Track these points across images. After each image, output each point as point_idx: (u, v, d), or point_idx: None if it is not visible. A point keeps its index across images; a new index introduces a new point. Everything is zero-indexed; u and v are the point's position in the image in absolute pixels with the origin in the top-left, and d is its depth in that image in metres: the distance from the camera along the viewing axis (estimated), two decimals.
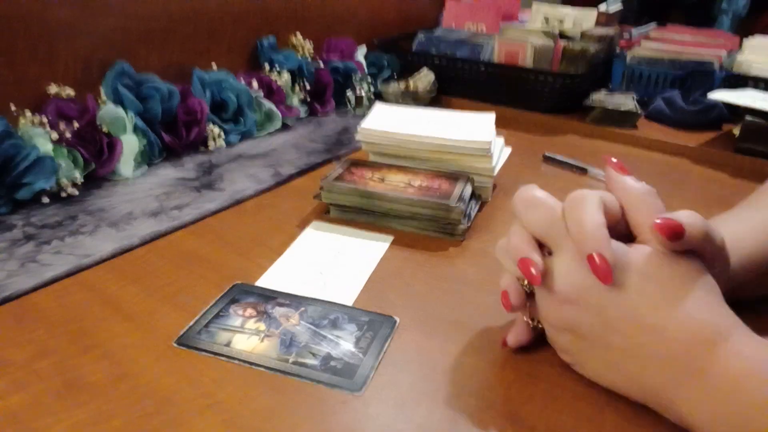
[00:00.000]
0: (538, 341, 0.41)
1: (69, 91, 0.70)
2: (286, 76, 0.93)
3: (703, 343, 0.32)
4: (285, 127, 0.91)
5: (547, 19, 1.38)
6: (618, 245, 0.36)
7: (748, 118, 0.83)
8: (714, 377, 0.32)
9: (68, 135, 0.66)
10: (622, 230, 0.38)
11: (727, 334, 0.33)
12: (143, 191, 0.67)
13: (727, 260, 0.39)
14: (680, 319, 0.33)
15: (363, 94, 0.99)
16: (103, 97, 0.74)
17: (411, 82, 1.03)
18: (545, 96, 0.99)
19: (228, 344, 0.41)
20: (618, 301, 0.34)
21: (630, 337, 0.34)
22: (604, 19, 1.33)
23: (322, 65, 1.01)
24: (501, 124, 0.71)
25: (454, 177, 0.62)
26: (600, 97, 0.99)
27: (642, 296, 0.34)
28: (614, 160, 0.39)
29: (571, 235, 0.36)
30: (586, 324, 0.36)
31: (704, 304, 0.34)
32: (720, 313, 0.34)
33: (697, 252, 0.35)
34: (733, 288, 0.40)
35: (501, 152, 0.72)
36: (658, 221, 0.34)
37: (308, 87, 0.96)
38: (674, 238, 0.34)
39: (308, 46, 1.03)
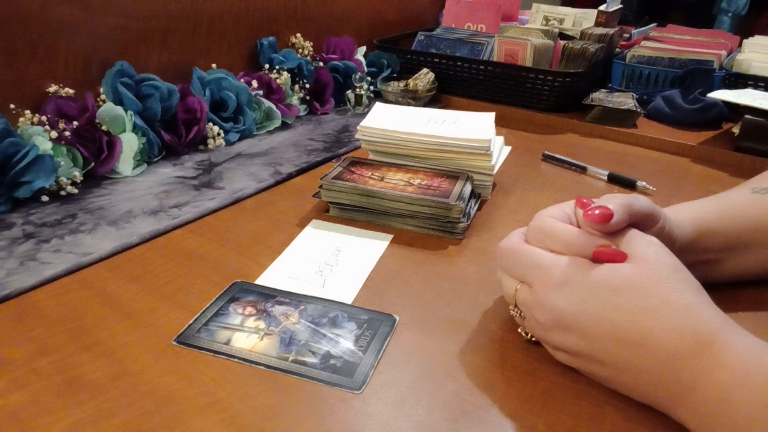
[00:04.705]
0: (537, 342, 0.41)
1: (68, 90, 0.70)
2: (285, 76, 0.93)
3: (685, 355, 0.32)
4: (285, 125, 0.91)
5: (547, 19, 1.38)
6: (585, 265, 0.37)
7: (748, 116, 0.83)
8: (702, 391, 0.32)
9: (68, 133, 0.66)
10: None
11: (709, 342, 0.32)
12: (143, 190, 0.67)
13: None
14: (658, 332, 0.33)
15: (363, 93, 0.99)
16: (103, 96, 0.74)
17: (411, 82, 1.03)
18: (545, 95, 0.99)
19: (227, 342, 0.41)
20: (595, 319, 0.35)
21: (615, 354, 0.35)
22: (604, 19, 1.33)
23: (321, 65, 1.01)
24: (501, 123, 0.71)
25: (453, 175, 0.62)
26: (600, 96, 0.99)
27: (618, 312, 0.34)
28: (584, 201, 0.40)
29: (563, 250, 0.38)
30: (573, 345, 0.37)
31: (682, 311, 0.33)
32: (699, 317, 0.33)
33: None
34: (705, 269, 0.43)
35: (501, 151, 0.72)
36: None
37: (308, 86, 0.96)
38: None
39: (308, 46, 1.03)
